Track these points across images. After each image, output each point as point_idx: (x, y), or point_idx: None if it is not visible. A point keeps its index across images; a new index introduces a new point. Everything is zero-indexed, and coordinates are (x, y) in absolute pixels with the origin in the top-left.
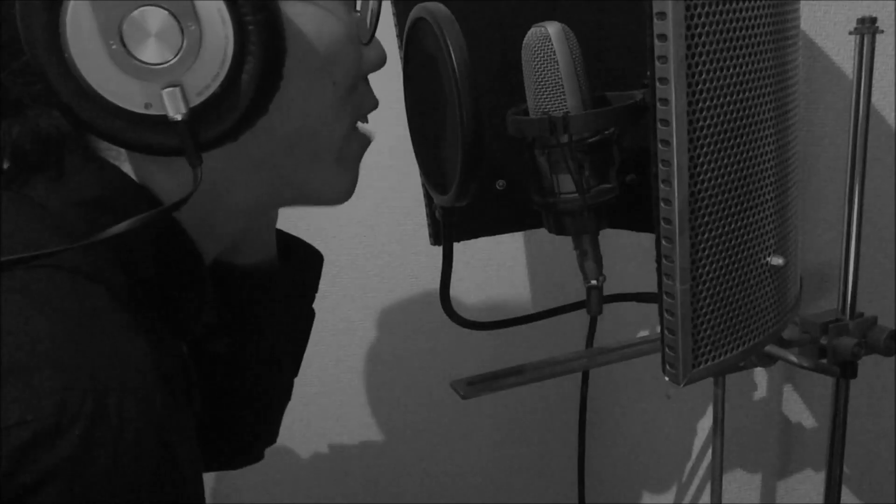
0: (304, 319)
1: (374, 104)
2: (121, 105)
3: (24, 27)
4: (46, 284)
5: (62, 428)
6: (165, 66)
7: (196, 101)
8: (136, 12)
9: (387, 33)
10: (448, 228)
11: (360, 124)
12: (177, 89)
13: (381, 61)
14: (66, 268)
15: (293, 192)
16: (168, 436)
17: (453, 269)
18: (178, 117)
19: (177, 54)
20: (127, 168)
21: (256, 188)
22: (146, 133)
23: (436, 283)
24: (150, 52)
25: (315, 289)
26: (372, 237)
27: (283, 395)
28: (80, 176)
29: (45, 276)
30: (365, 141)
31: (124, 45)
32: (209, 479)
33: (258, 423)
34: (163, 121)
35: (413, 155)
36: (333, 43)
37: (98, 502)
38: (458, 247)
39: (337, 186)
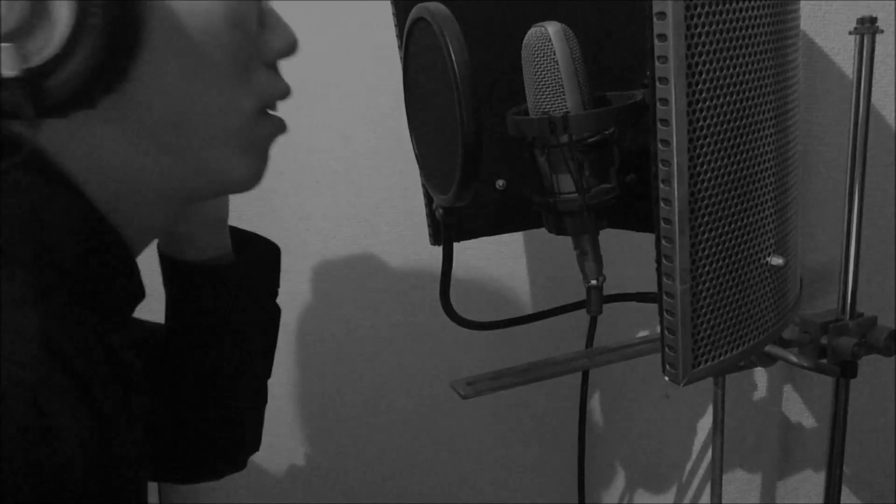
0: (269, 317)
1: (284, 91)
2: None
3: None
4: None
5: None
6: None
7: (34, 61)
8: None
9: (387, 33)
10: (448, 228)
11: (268, 111)
12: (10, 45)
13: (286, 48)
14: None
15: (199, 178)
16: (44, 402)
17: (453, 269)
18: (12, 73)
19: (10, 10)
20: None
21: (159, 170)
22: None
23: (436, 283)
24: None
25: (276, 283)
26: (372, 237)
27: (258, 398)
28: None
29: None
30: (276, 125)
31: None
32: None
33: (236, 428)
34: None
35: (413, 155)
36: (208, 23)
37: None
38: (458, 247)
39: (239, 170)
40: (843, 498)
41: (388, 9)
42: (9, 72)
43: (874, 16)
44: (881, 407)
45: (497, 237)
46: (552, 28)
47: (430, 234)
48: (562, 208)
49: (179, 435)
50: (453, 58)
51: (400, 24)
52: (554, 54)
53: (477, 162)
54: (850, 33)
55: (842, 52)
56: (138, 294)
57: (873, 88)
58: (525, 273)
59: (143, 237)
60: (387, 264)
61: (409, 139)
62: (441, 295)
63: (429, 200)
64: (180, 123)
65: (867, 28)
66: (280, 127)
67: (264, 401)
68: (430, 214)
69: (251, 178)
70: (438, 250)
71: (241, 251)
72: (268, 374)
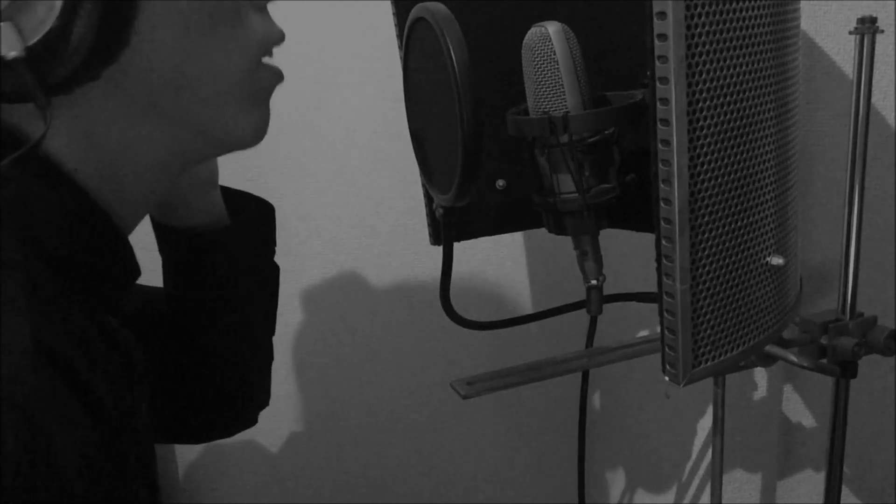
0: (269, 275)
1: (278, 36)
2: None
3: None
4: None
5: None
6: None
7: (34, 37)
8: None
9: (387, 33)
10: (448, 228)
11: (266, 60)
12: (7, 24)
13: None
14: None
15: (200, 139)
16: (37, 413)
17: (453, 269)
18: (14, 55)
19: None
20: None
21: (157, 138)
22: None
23: (436, 283)
24: None
25: (273, 241)
26: (372, 237)
27: (264, 355)
28: None
29: None
30: (274, 73)
31: None
32: (209, 478)
33: (244, 387)
34: (3, 64)
35: (413, 155)
36: None
37: None
38: (458, 247)
39: (243, 125)
40: (843, 498)
41: (388, 9)
42: (11, 52)
43: (874, 16)
44: (881, 407)
45: (497, 237)
46: (552, 28)
47: (430, 234)
48: (562, 208)
49: (189, 396)
50: (453, 58)
51: (400, 24)
52: (554, 54)
53: (477, 162)
54: (850, 33)
55: (842, 52)
56: (133, 272)
57: (873, 88)
58: (525, 273)
59: (136, 212)
60: (387, 264)
61: (409, 139)
62: (441, 295)
63: (429, 200)
64: (180, 84)
65: (867, 28)
66: (278, 75)
67: (270, 357)
68: (430, 214)
69: (255, 132)
70: (438, 250)
71: (235, 213)
72: (271, 331)
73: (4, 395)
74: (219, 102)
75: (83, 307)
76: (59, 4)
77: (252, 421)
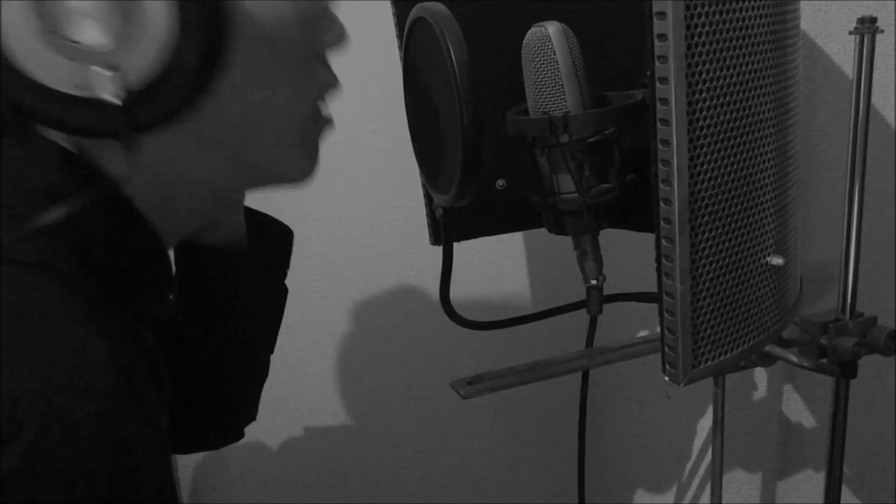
0: (278, 296)
1: (335, 83)
2: (51, 86)
3: None
4: None
5: (11, 436)
6: (101, 47)
7: (134, 83)
8: None
9: (387, 33)
10: (448, 228)
11: (321, 105)
12: (113, 72)
13: (337, 40)
14: (17, 262)
15: (254, 175)
16: (124, 433)
17: (453, 269)
18: (115, 100)
19: (114, 36)
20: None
21: (216, 171)
22: (81, 116)
23: (436, 283)
24: (85, 33)
25: (286, 265)
26: (372, 237)
27: (261, 372)
28: (30, 160)
29: None
30: (326, 121)
31: (56, 25)
32: (209, 478)
33: (238, 401)
34: (99, 103)
35: (413, 155)
36: (281, 22)
37: None
38: (458, 247)
39: (297, 166)
40: (843, 498)
41: (387, 9)
42: (112, 98)
43: (874, 16)
44: (881, 407)
45: (497, 237)
46: (552, 28)
47: (430, 234)
48: (562, 208)
49: (183, 407)
50: (453, 58)
51: (400, 24)
52: (554, 54)
53: (477, 162)
54: (850, 33)
55: (842, 52)
56: (169, 290)
57: (873, 88)
58: (525, 273)
59: (179, 232)
60: (387, 264)
61: (409, 139)
62: (441, 295)
63: (429, 200)
64: (248, 128)
65: (867, 28)
66: (329, 122)
67: (265, 375)
68: (430, 214)
69: (307, 173)
70: (438, 250)
71: (255, 234)
72: (271, 349)
73: (94, 412)
74: (279, 144)
75: (128, 323)
76: (163, 56)
77: (240, 435)
